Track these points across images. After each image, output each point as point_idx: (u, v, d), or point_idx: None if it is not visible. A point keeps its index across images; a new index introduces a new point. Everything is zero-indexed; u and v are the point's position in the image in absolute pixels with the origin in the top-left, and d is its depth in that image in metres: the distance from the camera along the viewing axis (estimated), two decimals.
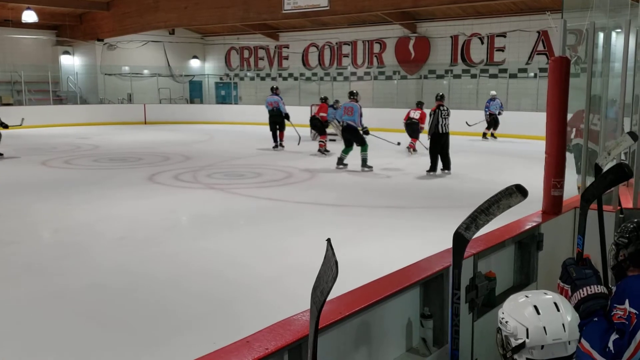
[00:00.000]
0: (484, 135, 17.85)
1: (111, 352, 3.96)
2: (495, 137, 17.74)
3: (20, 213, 8.08)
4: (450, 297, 2.40)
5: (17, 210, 8.27)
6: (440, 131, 11.19)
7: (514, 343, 1.80)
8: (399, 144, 13.85)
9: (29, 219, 7.77)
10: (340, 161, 12.00)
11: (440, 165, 11.39)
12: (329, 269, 1.58)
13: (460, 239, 2.31)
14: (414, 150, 14.43)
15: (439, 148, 11.29)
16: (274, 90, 15.83)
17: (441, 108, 11.31)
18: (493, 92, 18.07)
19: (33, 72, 23.28)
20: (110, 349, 4.01)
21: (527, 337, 1.77)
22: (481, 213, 2.24)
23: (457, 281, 2.37)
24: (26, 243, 6.67)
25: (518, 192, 2.16)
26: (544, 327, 1.76)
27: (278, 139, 15.43)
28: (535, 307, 1.80)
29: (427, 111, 13.04)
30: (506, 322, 1.83)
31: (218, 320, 4.44)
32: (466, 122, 17.26)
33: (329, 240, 1.64)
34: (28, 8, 20.87)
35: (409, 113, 15.00)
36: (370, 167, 11.69)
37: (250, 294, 5.02)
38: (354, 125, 11.91)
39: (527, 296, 1.87)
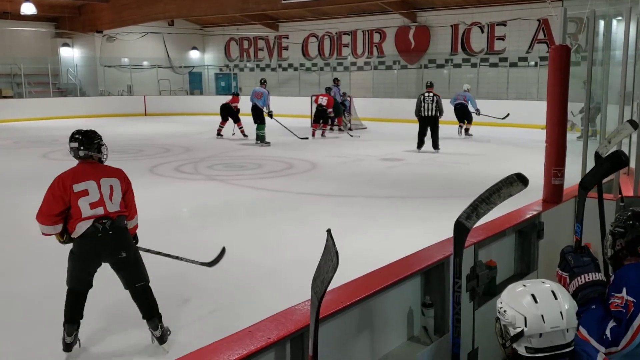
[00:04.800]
0: (467, 130, 15.86)
1: (112, 343, 3.98)
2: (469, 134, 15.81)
3: (21, 206, 8.07)
4: (452, 285, 2.41)
5: (18, 202, 8.27)
6: (423, 114, 12.68)
7: (512, 332, 1.81)
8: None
9: (30, 212, 7.72)
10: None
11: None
12: (330, 259, 1.59)
13: (461, 228, 2.32)
14: (322, 134, 16.14)
15: (425, 129, 12.79)
16: (335, 82, 17.67)
17: (425, 94, 12.83)
18: (466, 86, 16.55)
19: (33, 65, 23.21)
20: (110, 340, 4.02)
21: (525, 326, 1.78)
22: (482, 202, 2.24)
23: (458, 270, 2.38)
24: (27, 235, 6.66)
25: (519, 180, 2.17)
26: (542, 316, 1.76)
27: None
28: (532, 295, 1.81)
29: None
30: (504, 311, 1.84)
31: (219, 311, 4.46)
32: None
33: (329, 230, 1.65)
34: (27, 0, 20.79)
35: (317, 98, 16.34)
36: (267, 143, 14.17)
37: (250, 285, 5.04)
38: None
39: (524, 285, 1.88)
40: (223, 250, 4.78)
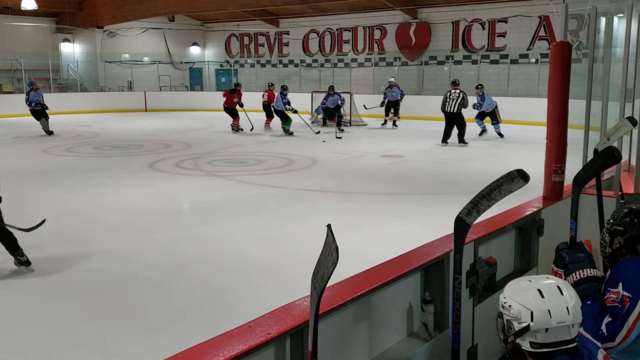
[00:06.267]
0: (385, 122, 17.78)
1: (112, 339, 3.98)
2: (396, 125, 17.46)
3: (21, 200, 8.07)
4: (452, 281, 2.41)
5: (18, 197, 8.25)
6: (447, 110, 13.21)
7: (517, 327, 1.80)
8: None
9: (29, 206, 7.76)
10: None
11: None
12: (330, 255, 1.59)
13: (461, 224, 2.31)
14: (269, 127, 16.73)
15: (450, 124, 13.34)
16: (329, 90, 17.39)
17: (451, 91, 13.45)
18: (391, 79, 18.04)
19: (33, 60, 23.15)
20: (110, 335, 4.02)
21: (532, 321, 1.77)
22: (483, 198, 2.24)
23: (458, 266, 2.38)
24: (39, 228, 6.66)
25: (520, 177, 2.17)
26: (549, 310, 1.76)
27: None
28: (539, 290, 1.80)
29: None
30: (509, 306, 1.82)
31: (219, 307, 4.46)
32: (364, 105, 18.25)
33: (329, 225, 1.65)
34: None
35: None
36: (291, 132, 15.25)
37: (250, 280, 5.04)
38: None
39: (530, 280, 1.87)
40: (42, 222, 5.89)
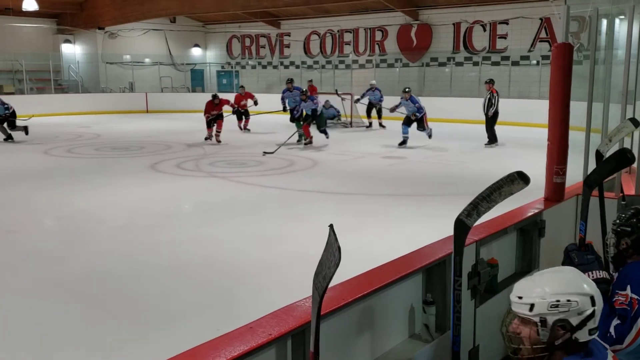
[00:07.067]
0: (370, 124, 17.78)
1: (113, 339, 3.98)
2: (383, 126, 17.32)
3: (22, 201, 8.09)
4: (452, 283, 2.41)
5: (19, 198, 8.28)
6: (498, 110, 13.28)
7: (576, 321, 1.70)
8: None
9: (30, 207, 7.78)
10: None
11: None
12: (332, 255, 1.59)
13: (461, 226, 2.31)
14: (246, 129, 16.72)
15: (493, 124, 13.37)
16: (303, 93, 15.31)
17: (497, 92, 13.35)
18: (373, 82, 17.92)
19: (34, 61, 23.19)
20: (111, 336, 4.02)
21: (595, 305, 1.71)
22: (483, 200, 2.24)
23: (458, 268, 2.37)
24: (28, 231, 6.68)
25: (520, 178, 2.16)
26: (596, 292, 1.73)
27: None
28: (580, 276, 1.77)
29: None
30: (568, 301, 1.70)
31: (220, 307, 4.46)
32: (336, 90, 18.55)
33: (331, 226, 1.64)
34: None
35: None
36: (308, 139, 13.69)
37: (252, 281, 5.03)
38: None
39: (562, 271, 1.83)
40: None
